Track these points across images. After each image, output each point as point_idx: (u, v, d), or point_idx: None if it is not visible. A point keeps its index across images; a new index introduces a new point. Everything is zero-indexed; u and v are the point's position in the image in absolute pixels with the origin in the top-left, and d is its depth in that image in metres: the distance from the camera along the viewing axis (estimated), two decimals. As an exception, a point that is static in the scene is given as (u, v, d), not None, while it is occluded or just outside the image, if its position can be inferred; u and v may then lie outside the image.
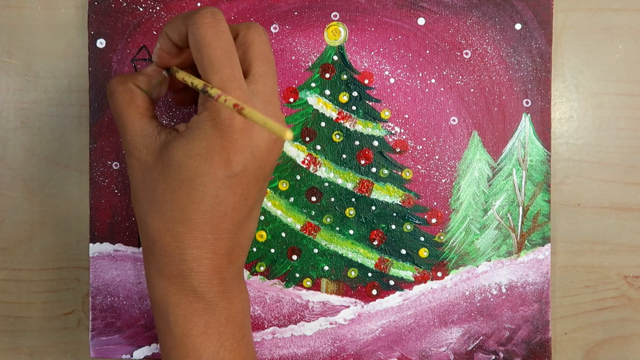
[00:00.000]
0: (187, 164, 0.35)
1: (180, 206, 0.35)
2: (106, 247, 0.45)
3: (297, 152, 0.45)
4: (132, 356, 0.44)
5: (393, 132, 0.44)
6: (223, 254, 0.36)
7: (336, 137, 0.45)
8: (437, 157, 0.44)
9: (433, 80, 0.44)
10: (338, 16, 0.44)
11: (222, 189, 0.35)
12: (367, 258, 0.45)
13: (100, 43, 0.44)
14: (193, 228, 0.35)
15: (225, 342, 0.36)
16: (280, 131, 0.29)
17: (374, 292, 0.45)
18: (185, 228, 0.35)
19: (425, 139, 0.44)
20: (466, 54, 0.44)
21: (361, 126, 0.45)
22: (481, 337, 0.44)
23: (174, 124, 0.45)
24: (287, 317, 0.45)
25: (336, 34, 0.45)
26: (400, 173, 0.44)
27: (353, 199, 0.45)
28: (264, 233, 0.45)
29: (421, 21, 0.44)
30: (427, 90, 0.44)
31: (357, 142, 0.45)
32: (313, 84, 0.45)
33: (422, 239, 0.45)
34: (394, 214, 0.45)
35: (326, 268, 0.45)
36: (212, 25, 0.34)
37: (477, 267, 0.44)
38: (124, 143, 0.37)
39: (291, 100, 0.45)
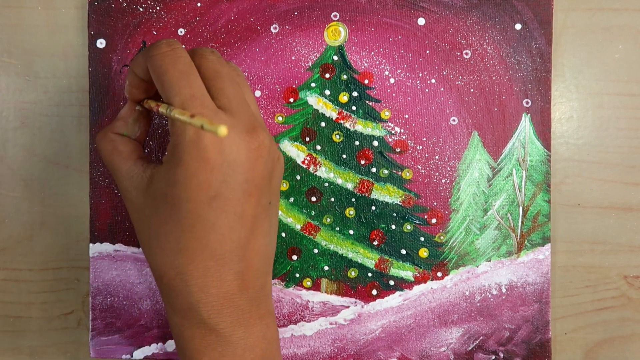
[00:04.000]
0: (171, 193, 0.34)
1: (175, 237, 0.34)
2: (106, 247, 0.45)
3: (297, 152, 0.45)
4: (132, 356, 0.44)
5: (393, 132, 0.44)
6: (231, 279, 0.35)
7: (336, 137, 0.45)
8: (437, 157, 0.44)
9: (433, 80, 0.44)
10: (338, 16, 0.44)
11: (210, 212, 0.34)
12: (367, 258, 0.45)
13: (100, 43, 0.44)
14: (192, 257, 0.34)
15: None
16: (212, 128, 0.28)
17: (374, 292, 0.45)
18: (185, 258, 0.34)
19: (425, 139, 0.44)
20: (466, 54, 0.44)
21: (361, 126, 0.45)
22: (481, 337, 0.44)
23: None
24: (287, 317, 0.45)
25: (336, 34, 0.45)
26: (400, 173, 0.44)
27: (353, 199, 0.45)
28: (264, 233, 0.45)
29: (421, 21, 0.44)
30: (427, 90, 0.44)
31: (357, 142, 0.45)
32: (313, 84, 0.45)
33: (422, 239, 0.45)
34: (394, 214, 0.45)
35: (326, 268, 0.45)
36: (168, 53, 0.35)
37: (477, 267, 0.44)
38: (119, 189, 0.38)
39: (291, 100, 0.45)
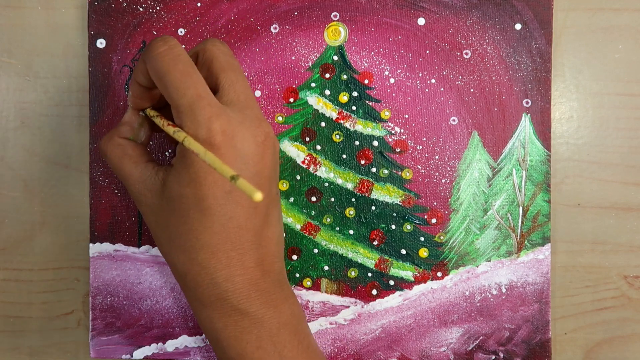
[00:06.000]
0: (186, 193, 0.35)
1: (195, 234, 0.35)
2: (106, 247, 0.45)
3: (297, 152, 0.45)
4: (132, 356, 0.44)
5: (393, 132, 0.44)
6: (253, 266, 0.36)
7: (336, 137, 0.45)
8: (437, 157, 0.44)
9: (433, 80, 0.44)
10: (338, 16, 0.44)
11: (227, 206, 0.35)
12: (367, 258, 0.45)
13: (100, 43, 0.44)
14: (214, 251, 0.35)
15: (282, 350, 0.36)
16: (250, 191, 0.28)
17: (374, 292, 0.45)
18: (207, 253, 0.35)
19: (425, 139, 0.44)
20: (466, 54, 0.44)
21: (361, 126, 0.45)
22: (481, 337, 0.44)
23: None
24: (287, 317, 0.45)
25: (336, 34, 0.45)
26: (400, 173, 0.44)
27: (353, 199, 0.45)
28: (264, 233, 0.45)
29: (421, 21, 0.44)
30: (427, 90, 0.44)
31: (357, 142, 0.45)
32: (313, 84, 0.45)
33: (422, 239, 0.45)
34: (394, 214, 0.45)
35: (326, 268, 0.45)
36: (166, 52, 0.34)
37: (477, 267, 0.44)
38: (131, 194, 0.38)
39: (291, 100, 0.45)
